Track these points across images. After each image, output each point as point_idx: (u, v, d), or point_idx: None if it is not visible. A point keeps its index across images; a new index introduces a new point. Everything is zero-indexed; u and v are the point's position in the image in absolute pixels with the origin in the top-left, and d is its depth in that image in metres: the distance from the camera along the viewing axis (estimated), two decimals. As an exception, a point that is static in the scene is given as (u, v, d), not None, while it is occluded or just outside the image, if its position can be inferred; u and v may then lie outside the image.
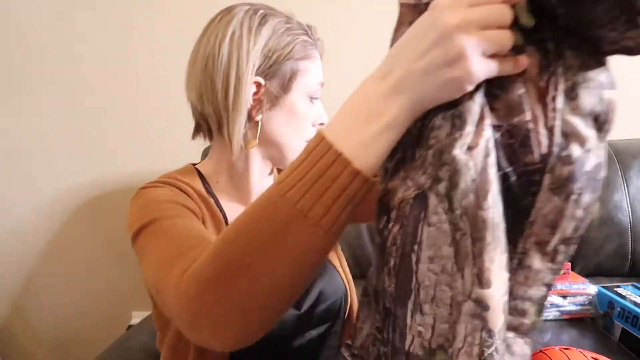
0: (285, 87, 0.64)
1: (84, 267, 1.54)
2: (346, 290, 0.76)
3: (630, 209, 1.24)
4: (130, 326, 1.38)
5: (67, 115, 1.45)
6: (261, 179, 0.73)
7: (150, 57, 1.43)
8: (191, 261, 0.44)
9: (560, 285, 1.14)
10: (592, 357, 0.78)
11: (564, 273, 1.16)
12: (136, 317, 1.53)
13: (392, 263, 0.41)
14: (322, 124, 0.70)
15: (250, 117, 0.65)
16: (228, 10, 0.64)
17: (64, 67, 1.43)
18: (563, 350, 0.80)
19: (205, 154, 1.28)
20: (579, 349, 0.81)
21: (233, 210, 0.71)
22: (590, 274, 1.25)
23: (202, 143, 1.30)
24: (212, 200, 0.68)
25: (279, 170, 0.80)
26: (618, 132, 1.43)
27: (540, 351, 0.82)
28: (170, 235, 0.53)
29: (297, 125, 0.67)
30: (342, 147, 0.38)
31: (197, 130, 0.72)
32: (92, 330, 1.57)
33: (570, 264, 1.18)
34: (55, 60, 1.42)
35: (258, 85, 0.63)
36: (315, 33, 0.68)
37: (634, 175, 1.26)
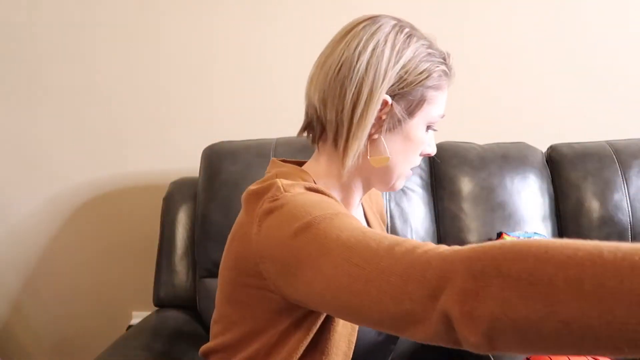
0: (410, 112, 0.64)
1: (84, 267, 1.54)
2: None
3: (630, 209, 1.24)
4: (130, 326, 1.37)
5: (67, 115, 1.45)
6: (360, 198, 0.72)
7: (150, 57, 1.43)
8: (427, 246, 0.41)
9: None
10: (592, 357, 0.78)
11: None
12: (136, 317, 1.53)
13: None
14: (428, 154, 0.69)
15: (368, 134, 0.63)
16: (373, 20, 0.63)
17: (63, 67, 1.43)
18: (563, 350, 0.80)
19: (206, 154, 1.28)
20: (579, 349, 0.80)
21: None
22: (590, 274, 1.25)
23: (202, 143, 1.31)
24: None
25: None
26: (618, 132, 1.43)
27: (540, 351, 0.82)
28: (359, 226, 0.49)
29: (409, 151, 0.66)
30: None
31: (306, 129, 0.69)
32: (92, 330, 1.57)
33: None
34: (55, 60, 1.42)
35: (385, 103, 0.62)
36: (451, 62, 0.67)
37: (634, 175, 1.26)
